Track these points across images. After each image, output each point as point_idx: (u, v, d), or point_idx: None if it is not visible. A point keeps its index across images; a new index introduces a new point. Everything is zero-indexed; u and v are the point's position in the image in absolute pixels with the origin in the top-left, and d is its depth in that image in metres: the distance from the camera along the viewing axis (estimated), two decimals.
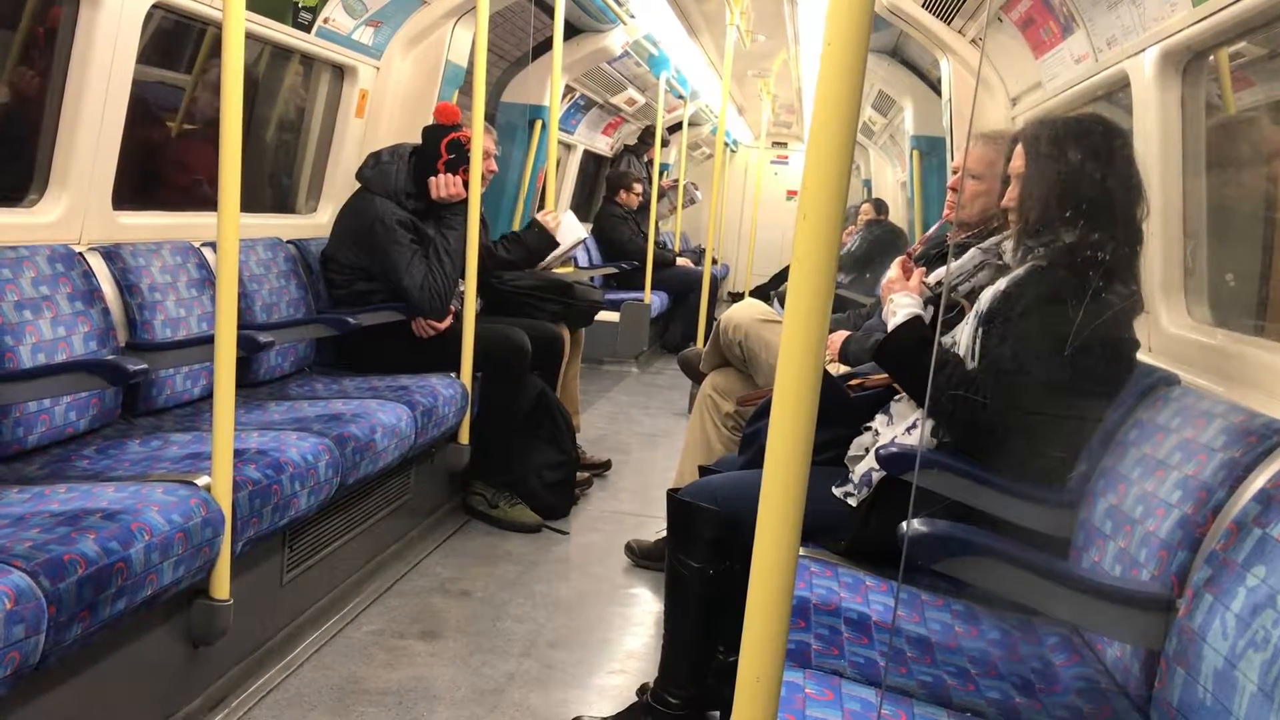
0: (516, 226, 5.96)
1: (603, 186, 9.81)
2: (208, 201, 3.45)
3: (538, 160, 5.98)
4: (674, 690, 2.34)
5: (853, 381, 2.55)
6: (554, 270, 4.58)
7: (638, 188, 8.61)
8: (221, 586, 2.26)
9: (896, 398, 2.35)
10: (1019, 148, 2.19)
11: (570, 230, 4.54)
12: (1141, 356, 2.19)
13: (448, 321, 3.76)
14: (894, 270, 2.47)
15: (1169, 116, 2.48)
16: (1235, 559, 1.48)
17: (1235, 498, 1.60)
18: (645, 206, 8.47)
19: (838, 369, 2.99)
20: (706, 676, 2.37)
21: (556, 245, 4.36)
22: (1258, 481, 1.58)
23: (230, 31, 2.13)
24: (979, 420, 2.04)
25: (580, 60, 6.23)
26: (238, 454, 2.34)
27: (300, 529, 2.77)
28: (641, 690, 2.58)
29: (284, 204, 4.27)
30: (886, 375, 2.50)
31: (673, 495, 2.37)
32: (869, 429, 2.37)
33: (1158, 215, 2.45)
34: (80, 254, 2.74)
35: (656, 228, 8.64)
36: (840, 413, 2.37)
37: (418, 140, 3.81)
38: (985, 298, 2.17)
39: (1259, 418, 1.69)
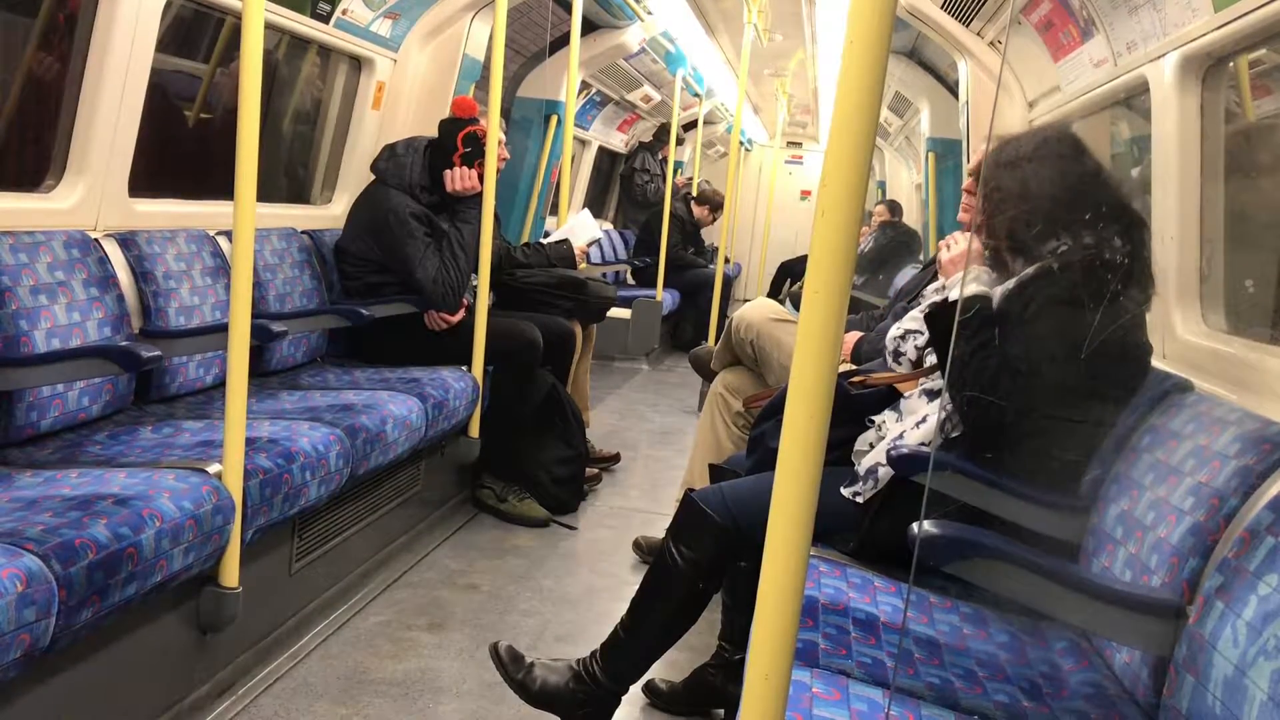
0: (530, 220, 5.97)
1: (616, 183, 9.80)
2: (223, 190, 3.46)
3: (553, 155, 5.99)
4: (604, 672, 2.31)
5: (854, 379, 2.54)
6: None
7: (719, 213, 8.77)
8: (231, 574, 2.27)
9: (906, 395, 2.34)
10: (983, 173, 2.19)
11: (586, 229, 4.55)
12: (1155, 363, 2.18)
13: (460, 315, 3.77)
14: (964, 242, 2.39)
15: (1188, 122, 2.47)
16: (1247, 567, 1.47)
17: (1248, 505, 1.59)
18: (696, 221, 8.65)
19: (846, 368, 2.97)
20: (634, 679, 2.34)
21: (576, 266, 4.41)
22: (1272, 490, 1.57)
23: (249, 21, 2.14)
24: (991, 418, 2.03)
25: (597, 56, 6.25)
26: (249, 443, 2.35)
27: (310, 519, 2.78)
28: (645, 687, 2.58)
29: (299, 194, 4.28)
30: (890, 374, 2.49)
31: (689, 495, 2.36)
32: (872, 423, 2.35)
33: (1174, 221, 2.44)
34: (96, 240, 2.75)
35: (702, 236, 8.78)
36: (843, 412, 2.35)
37: (433, 133, 3.82)
38: (995, 297, 2.16)
39: (1274, 425, 1.68)
